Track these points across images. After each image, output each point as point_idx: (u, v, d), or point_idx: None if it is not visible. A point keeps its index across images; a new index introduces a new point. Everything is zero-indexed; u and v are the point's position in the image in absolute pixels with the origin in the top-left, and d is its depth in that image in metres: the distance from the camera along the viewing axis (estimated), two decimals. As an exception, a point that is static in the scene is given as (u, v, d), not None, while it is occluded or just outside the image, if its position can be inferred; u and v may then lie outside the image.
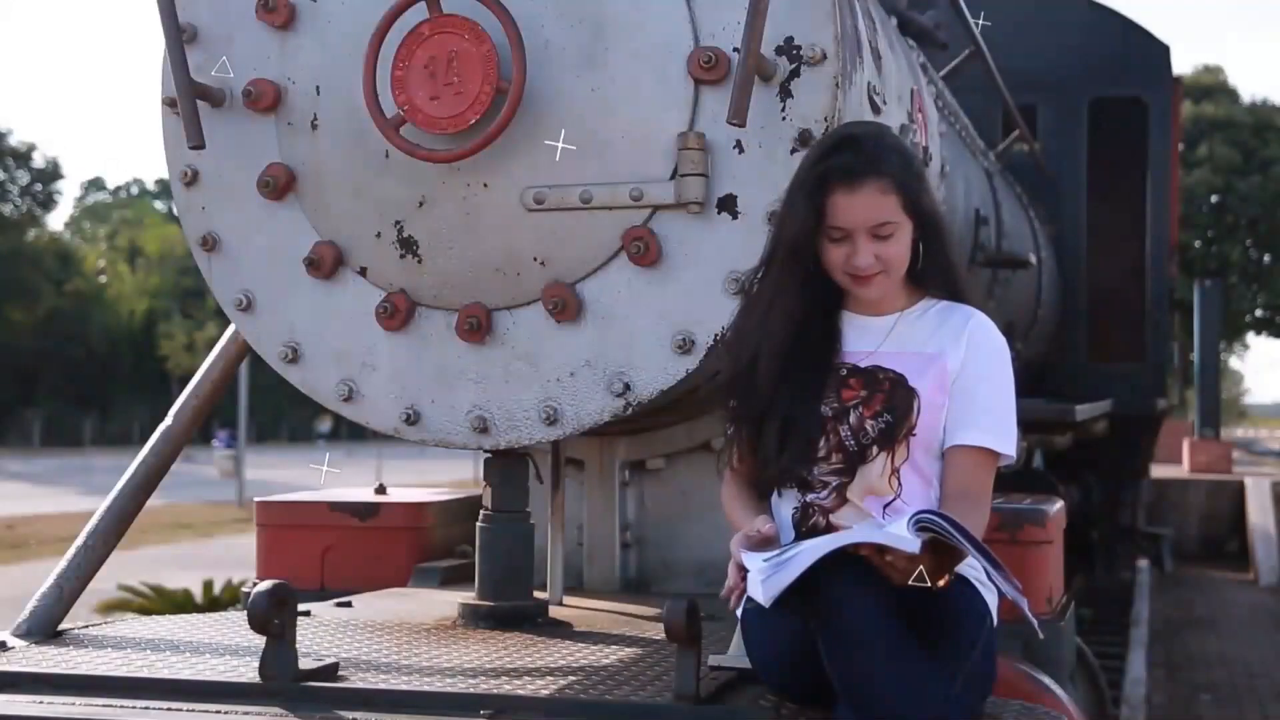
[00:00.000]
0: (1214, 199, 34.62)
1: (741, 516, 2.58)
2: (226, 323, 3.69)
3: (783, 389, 2.52)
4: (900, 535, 2.20)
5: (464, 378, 3.31)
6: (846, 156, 2.48)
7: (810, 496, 2.53)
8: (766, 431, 2.53)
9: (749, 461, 2.61)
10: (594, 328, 3.20)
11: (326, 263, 3.38)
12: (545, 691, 2.65)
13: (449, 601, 3.58)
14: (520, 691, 2.65)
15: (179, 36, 3.32)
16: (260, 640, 2.67)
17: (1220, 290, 23.42)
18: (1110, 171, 9.24)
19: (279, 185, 3.39)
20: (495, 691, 2.64)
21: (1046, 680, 3.12)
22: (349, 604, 3.63)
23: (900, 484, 2.50)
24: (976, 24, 5.48)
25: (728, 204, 3.08)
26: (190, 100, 3.31)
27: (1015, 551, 3.37)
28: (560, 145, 3.13)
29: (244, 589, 4.54)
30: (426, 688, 2.66)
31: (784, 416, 2.52)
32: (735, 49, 2.99)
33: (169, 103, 3.47)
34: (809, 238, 2.51)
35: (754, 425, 2.56)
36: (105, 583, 6.78)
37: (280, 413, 51.03)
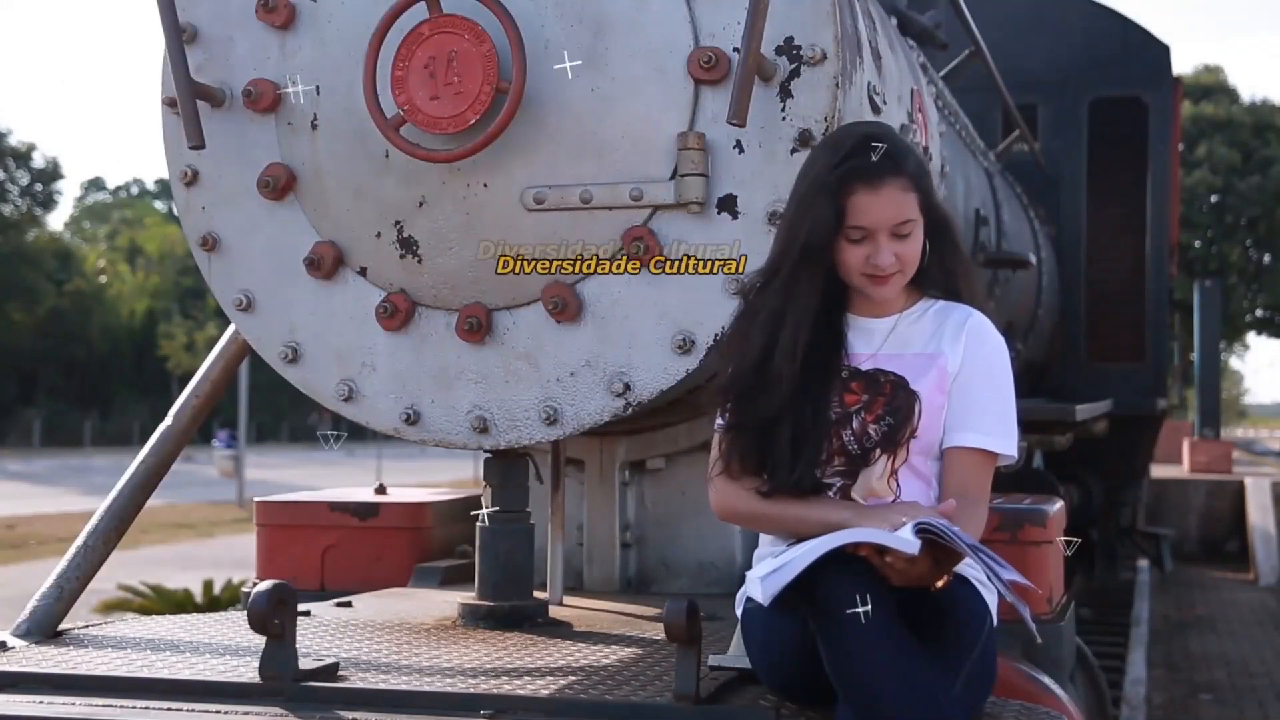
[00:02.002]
0: (1214, 199, 34.64)
1: (823, 507, 2.46)
2: (226, 323, 3.69)
3: (789, 393, 2.50)
4: (899, 536, 2.20)
5: (464, 378, 3.31)
6: (868, 157, 2.47)
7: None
8: (777, 438, 2.50)
9: (751, 468, 2.54)
10: (594, 328, 3.20)
11: (326, 263, 3.38)
12: (545, 691, 2.65)
13: (449, 601, 3.58)
14: (520, 691, 2.64)
15: (179, 36, 3.32)
16: (260, 640, 2.67)
17: (1220, 290, 23.40)
18: (1110, 171, 9.23)
19: (279, 185, 3.39)
20: (495, 691, 2.63)
21: (1046, 680, 3.12)
22: (349, 604, 3.64)
23: (899, 485, 2.50)
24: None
25: (728, 204, 3.08)
26: (190, 100, 3.31)
27: (1015, 551, 3.37)
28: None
29: (244, 589, 4.54)
30: (426, 688, 2.66)
31: (795, 423, 2.49)
32: (735, 49, 2.99)
33: (169, 103, 3.47)
34: (830, 239, 2.49)
35: (760, 432, 2.52)
36: (105, 583, 6.79)
37: (280, 413, 51.04)
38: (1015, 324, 6.88)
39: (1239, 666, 9.14)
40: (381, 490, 4.55)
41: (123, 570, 9.34)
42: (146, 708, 2.60)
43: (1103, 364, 9.26)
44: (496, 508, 3.43)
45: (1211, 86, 35.86)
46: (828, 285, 2.54)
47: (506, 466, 3.43)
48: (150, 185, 71.77)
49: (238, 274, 3.49)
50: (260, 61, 3.42)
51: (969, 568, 2.37)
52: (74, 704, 2.64)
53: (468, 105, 3.08)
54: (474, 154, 3.10)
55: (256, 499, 4.48)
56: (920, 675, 2.23)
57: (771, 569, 2.30)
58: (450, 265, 3.27)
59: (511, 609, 3.36)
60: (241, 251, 3.48)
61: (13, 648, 3.08)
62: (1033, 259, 6.85)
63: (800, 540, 2.40)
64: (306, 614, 3.31)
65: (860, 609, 2.24)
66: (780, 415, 2.49)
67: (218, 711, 2.57)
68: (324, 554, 4.25)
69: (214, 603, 8.50)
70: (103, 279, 57.49)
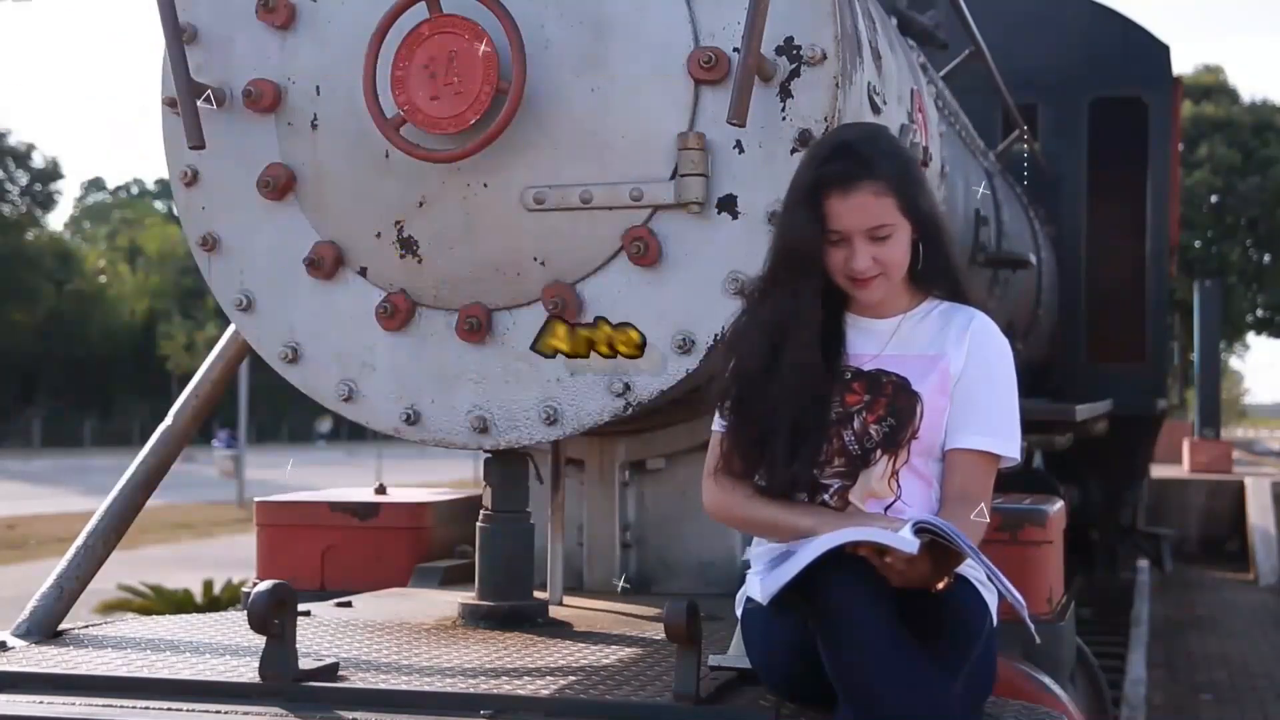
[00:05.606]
0: (1214, 199, 34.65)
1: (801, 513, 2.46)
2: (226, 323, 3.69)
3: (789, 394, 2.50)
4: (900, 536, 2.20)
5: (464, 378, 3.31)
6: (839, 162, 2.48)
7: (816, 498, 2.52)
8: (775, 438, 2.50)
9: (750, 467, 2.54)
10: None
11: (327, 263, 3.38)
12: (545, 691, 2.65)
13: (449, 601, 3.58)
14: (520, 691, 2.65)
15: (179, 36, 3.32)
16: (260, 640, 2.67)
17: (1220, 290, 23.41)
18: (1110, 171, 9.24)
19: (279, 185, 3.39)
20: (495, 691, 2.64)
21: (1046, 680, 3.12)
22: (349, 604, 3.64)
23: (900, 486, 2.50)
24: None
25: (728, 204, 3.08)
26: (190, 100, 3.31)
27: (1015, 551, 3.37)
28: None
29: (244, 589, 4.54)
30: (426, 688, 2.66)
31: (793, 423, 2.49)
32: (735, 49, 2.99)
33: (169, 103, 3.47)
34: (815, 243, 2.50)
35: (758, 430, 2.53)
36: (105, 583, 6.78)
37: (280, 413, 51.03)
38: (1015, 324, 6.88)
39: (1239, 666, 9.14)
40: (381, 490, 4.55)
41: (123, 570, 9.31)
42: (146, 708, 2.60)
43: (1103, 364, 9.26)
44: (496, 508, 3.43)
45: (1211, 86, 35.88)
46: (826, 286, 2.54)
47: (506, 466, 3.43)
48: (150, 185, 71.73)
49: (238, 274, 3.49)
50: (260, 61, 3.42)
51: (969, 568, 2.37)
52: (74, 704, 2.64)
53: (468, 105, 3.08)
54: (474, 154, 3.11)
55: (256, 499, 4.47)
56: (920, 675, 2.23)
57: (770, 568, 2.30)
58: (450, 265, 3.27)
59: (511, 609, 3.36)
60: (241, 252, 3.48)
61: (13, 648, 3.08)
62: (1033, 259, 6.85)
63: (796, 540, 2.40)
64: (306, 614, 3.31)
65: (859, 609, 2.24)
66: (777, 415, 2.49)
67: (218, 711, 2.57)
68: (324, 554, 4.25)
69: (214, 603, 8.49)
70: (103, 279, 57.48)
